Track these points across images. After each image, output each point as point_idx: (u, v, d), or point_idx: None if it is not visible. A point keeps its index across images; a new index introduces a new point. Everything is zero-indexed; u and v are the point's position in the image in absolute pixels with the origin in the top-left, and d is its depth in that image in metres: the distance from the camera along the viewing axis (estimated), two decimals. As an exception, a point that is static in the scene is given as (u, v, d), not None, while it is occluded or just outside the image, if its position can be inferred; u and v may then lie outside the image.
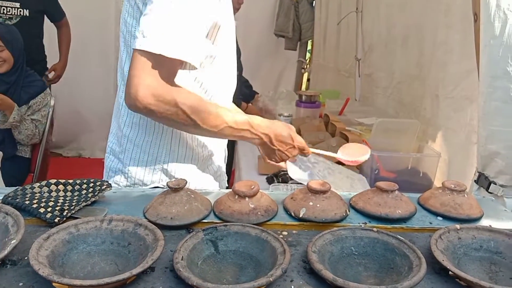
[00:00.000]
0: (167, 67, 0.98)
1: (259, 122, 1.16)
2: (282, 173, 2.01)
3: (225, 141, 1.41)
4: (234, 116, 1.10)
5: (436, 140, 2.20)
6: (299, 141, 1.25)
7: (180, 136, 1.22)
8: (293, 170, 1.47)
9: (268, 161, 1.28)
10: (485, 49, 1.29)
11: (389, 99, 2.94)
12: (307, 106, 2.85)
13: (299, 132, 2.55)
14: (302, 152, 1.27)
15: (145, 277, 0.80)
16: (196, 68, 1.05)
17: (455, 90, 1.98)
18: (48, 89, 2.77)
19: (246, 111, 2.44)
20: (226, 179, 1.50)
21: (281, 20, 4.64)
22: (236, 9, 2.19)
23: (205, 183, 1.32)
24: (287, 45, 4.85)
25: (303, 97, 2.88)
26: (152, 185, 1.23)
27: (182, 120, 1.01)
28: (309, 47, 5.28)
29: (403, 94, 2.74)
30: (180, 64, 1.01)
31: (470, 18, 1.45)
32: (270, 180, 1.99)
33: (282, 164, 1.31)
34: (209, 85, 1.19)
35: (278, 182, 1.95)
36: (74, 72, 3.95)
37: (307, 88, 5.32)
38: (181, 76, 1.05)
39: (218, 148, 1.35)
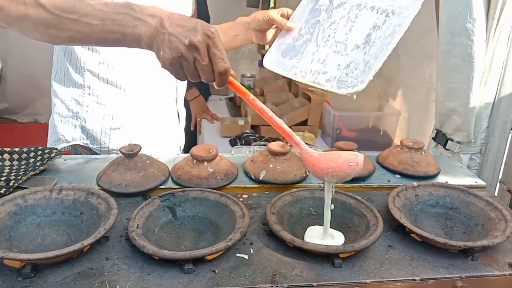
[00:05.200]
0: None
1: (143, 6, 0.77)
2: (245, 135, 2.00)
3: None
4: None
5: (396, 98, 2.22)
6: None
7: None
8: (269, 53, 1.10)
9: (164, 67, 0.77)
10: (444, 5, 1.28)
11: (351, 58, 2.93)
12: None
13: (262, 93, 2.52)
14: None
15: (99, 247, 0.77)
16: None
17: (415, 48, 1.98)
18: None
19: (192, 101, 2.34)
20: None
21: (242, -24, 4.49)
22: None
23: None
24: (249, 2, 4.70)
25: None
26: (73, 142, 1.20)
27: (33, 10, 0.78)
28: (271, 4, 5.16)
29: (365, 53, 2.73)
30: None
31: (430, -27, 1.43)
32: (233, 143, 1.98)
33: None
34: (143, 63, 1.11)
35: (242, 144, 1.94)
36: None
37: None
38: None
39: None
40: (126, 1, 0.78)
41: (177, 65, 0.75)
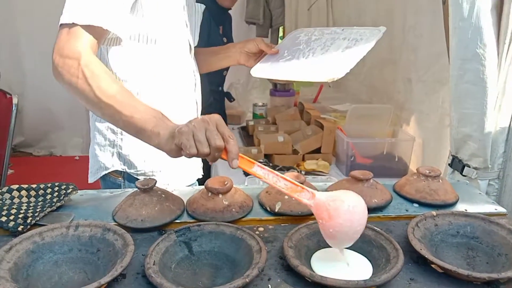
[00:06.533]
0: (86, 36, 0.98)
1: (168, 118, 0.95)
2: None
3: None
4: (139, 101, 0.98)
5: (410, 124, 2.21)
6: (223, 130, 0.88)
7: None
8: (257, 66, 1.32)
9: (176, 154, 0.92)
10: (454, 31, 1.28)
11: (361, 85, 2.94)
12: (282, 95, 2.83)
13: (274, 122, 2.53)
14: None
15: (116, 285, 0.77)
16: (122, 41, 1.09)
17: (426, 74, 1.99)
18: None
19: None
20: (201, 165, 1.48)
21: (251, 7, 4.57)
22: None
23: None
24: (258, 32, 4.78)
25: (277, 86, 2.86)
26: (113, 169, 1.27)
27: (80, 84, 0.95)
28: (280, 34, 5.24)
29: (375, 79, 2.74)
30: (101, 34, 1.01)
31: (438, 1, 1.44)
32: (246, 172, 1.97)
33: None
34: (157, 68, 1.21)
35: (255, 173, 1.93)
36: (42, 69, 3.81)
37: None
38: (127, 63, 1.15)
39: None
40: (154, 108, 0.94)
41: (189, 140, 0.86)
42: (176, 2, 1.22)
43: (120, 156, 1.26)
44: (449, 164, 1.46)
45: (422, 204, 1.08)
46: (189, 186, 1.37)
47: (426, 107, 2.04)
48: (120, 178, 1.29)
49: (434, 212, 0.96)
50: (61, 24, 0.99)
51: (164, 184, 1.14)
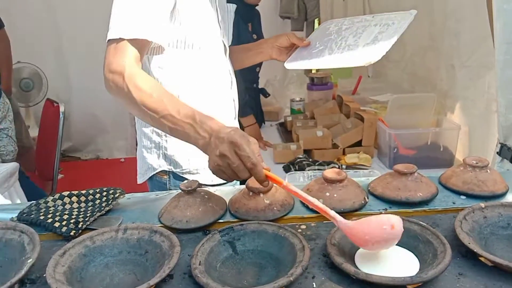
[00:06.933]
0: (131, 50, 1.04)
1: (205, 120, 0.96)
2: (299, 160, 1.99)
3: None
4: (178, 104, 1.00)
5: (455, 112, 2.13)
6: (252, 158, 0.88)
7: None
8: (290, 58, 1.34)
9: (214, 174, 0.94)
10: (499, 14, 1.23)
11: (403, 73, 2.86)
12: (319, 89, 2.80)
13: (312, 117, 2.51)
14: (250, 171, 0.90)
15: (164, 285, 0.79)
16: (164, 49, 1.15)
17: (470, 59, 1.91)
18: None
19: (248, 128, 2.38)
20: None
21: (285, 2, 4.55)
22: None
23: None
24: (293, 26, 4.76)
25: (314, 80, 2.83)
26: (160, 169, 1.33)
27: (127, 97, 1.01)
28: (316, 26, 5.18)
29: (417, 67, 2.66)
30: (145, 45, 1.08)
31: (480, -17, 1.39)
32: (286, 169, 1.97)
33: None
34: (195, 72, 1.25)
35: (295, 170, 1.93)
36: (86, 76, 3.96)
37: (318, 69, 5.24)
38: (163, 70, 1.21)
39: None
40: (192, 112, 0.97)
41: (219, 172, 0.92)
42: (210, 5, 1.24)
43: (166, 157, 1.31)
44: (497, 153, 1.41)
45: (469, 196, 1.05)
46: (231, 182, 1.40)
47: (471, 94, 1.97)
48: (166, 177, 1.34)
49: (482, 204, 0.92)
50: (108, 40, 1.05)
51: (208, 180, 1.28)
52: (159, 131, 1.29)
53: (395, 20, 1.20)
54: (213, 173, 0.93)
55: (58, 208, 1.04)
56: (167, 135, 1.27)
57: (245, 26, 2.37)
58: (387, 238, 0.79)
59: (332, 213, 0.86)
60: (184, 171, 1.32)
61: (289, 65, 1.33)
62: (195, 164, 1.32)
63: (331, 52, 1.24)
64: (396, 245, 0.84)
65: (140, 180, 1.39)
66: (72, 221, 0.96)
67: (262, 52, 1.44)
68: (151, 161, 1.33)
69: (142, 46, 1.07)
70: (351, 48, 1.20)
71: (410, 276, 0.73)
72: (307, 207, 1.03)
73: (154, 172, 1.33)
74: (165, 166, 1.32)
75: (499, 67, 1.29)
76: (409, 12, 1.21)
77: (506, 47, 1.23)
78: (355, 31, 1.26)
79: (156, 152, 1.32)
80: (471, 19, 1.88)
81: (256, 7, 2.48)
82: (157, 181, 1.35)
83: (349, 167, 1.94)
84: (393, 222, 0.77)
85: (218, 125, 0.94)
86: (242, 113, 2.24)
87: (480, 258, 0.80)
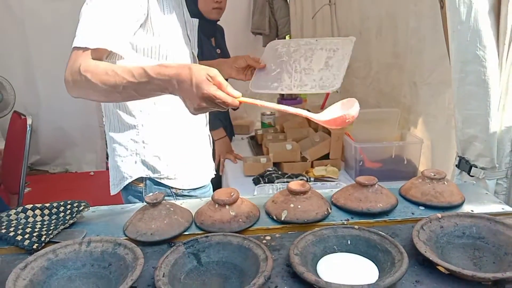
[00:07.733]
0: (91, 56, 1.09)
1: (158, 70, 1.01)
2: (268, 173, 2.01)
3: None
4: (131, 69, 1.04)
5: (418, 126, 2.20)
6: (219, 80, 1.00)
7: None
8: (254, 82, 1.45)
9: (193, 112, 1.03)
10: (453, 34, 1.29)
11: (369, 89, 2.94)
12: (289, 103, 2.83)
13: (282, 130, 2.55)
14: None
15: (128, 298, 0.79)
16: (123, 58, 1.19)
17: (431, 76, 1.99)
18: None
19: (218, 141, 2.40)
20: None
21: (256, 18, 4.62)
22: (215, 9, 2.19)
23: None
24: (265, 42, 4.81)
25: (284, 95, 2.88)
26: (136, 176, 1.34)
27: (88, 86, 1.06)
28: (287, 43, 5.27)
29: (382, 83, 2.74)
30: (105, 53, 1.13)
31: (438, 4, 1.46)
32: (256, 181, 1.99)
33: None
34: None
35: (265, 182, 1.95)
36: (54, 90, 3.89)
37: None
38: None
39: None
40: (142, 69, 1.02)
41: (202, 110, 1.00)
42: (179, 19, 1.30)
43: (144, 163, 1.33)
44: (456, 165, 1.47)
45: (428, 207, 1.09)
46: (203, 186, 1.46)
47: (432, 109, 2.04)
48: (141, 186, 1.35)
49: (439, 214, 0.97)
50: (74, 47, 1.10)
51: (185, 185, 1.38)
52: (136, 138, 1.32)
53: (339, 46, 1.36)
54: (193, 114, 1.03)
55: (20, 221, 1.02)
56: (145, 141, 1.31)
57: (208, 41, 2.40)
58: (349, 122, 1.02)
59: (305, 113, 1.01)
60: (162, 176, 1.34)
61: (254, 88, 1.45)
62: (173, 169, 1.34)
63: (289, 76, 1.39)
64: (356, 254, 0.86)
65: (113, 191, 1.39)
66: (35, 234, 0.95)
67: (222, 71, 1.49)
68: (125, 170, 1.34)
69: (102, 54, 1.13)
70: (307, 72, 1.34)
71: (368, 284, 0.76)
72: (272, 219, 1.05)
73: (130, 181, 1.34)
74: (142, 173, 1.33)
75: (455, 85, 1.35)
76: (349, 39, 1.37)
77: (460, 66, 1.30)
78: (304, 54, 1.40)
79: (133, 159, 1.33)
80: (431, 38, 1.96)
81: (228, 23, 2.51)
82: (132, 190, 1.36)
83: (317, 179, 1.98)
84: (353, 115, 1.03)
85: (174, 70, 0.99)
86: (212, 126, 2.25)
87: (437, 267, 0.84)
